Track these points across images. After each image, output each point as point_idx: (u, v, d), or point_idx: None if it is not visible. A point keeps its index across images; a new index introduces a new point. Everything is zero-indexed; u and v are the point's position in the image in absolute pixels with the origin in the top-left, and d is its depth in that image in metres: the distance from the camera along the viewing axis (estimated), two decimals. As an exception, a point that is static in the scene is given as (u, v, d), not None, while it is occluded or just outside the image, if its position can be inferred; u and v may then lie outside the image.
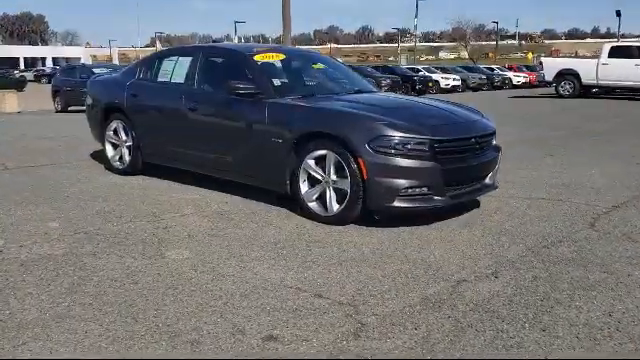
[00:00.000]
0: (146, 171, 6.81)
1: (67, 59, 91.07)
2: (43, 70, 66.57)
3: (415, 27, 67.50)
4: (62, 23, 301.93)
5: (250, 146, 5.43)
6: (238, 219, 5.09)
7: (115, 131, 6.90)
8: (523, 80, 40.74)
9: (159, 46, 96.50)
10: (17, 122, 14.90)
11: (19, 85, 37.80)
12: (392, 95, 6.05)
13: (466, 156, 4.90)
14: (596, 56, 23.75)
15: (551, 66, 23.30)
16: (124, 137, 6.80)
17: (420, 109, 5.34)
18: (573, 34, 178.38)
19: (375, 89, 6.39)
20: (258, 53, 5.79)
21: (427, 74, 34.24)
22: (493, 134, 5.25)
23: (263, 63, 5.75)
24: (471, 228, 4.88)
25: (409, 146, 4.59)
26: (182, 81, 6.19)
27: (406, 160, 4.57)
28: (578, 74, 22.29)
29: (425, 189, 4.66)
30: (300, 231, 4.76)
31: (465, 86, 35.53)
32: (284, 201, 5.44)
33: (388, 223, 4.84)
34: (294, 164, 5.09)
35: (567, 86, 22.62)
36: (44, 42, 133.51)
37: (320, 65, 6.34)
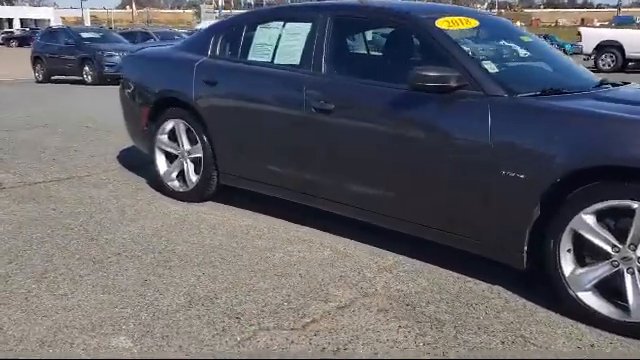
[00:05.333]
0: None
1: (35, 21, 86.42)
2: (12, 32, 62.31)
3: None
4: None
5: (447, 179, 3.15)
6: (459, 324, 2.82)
7: (172, 135, 4.53)
8: (530, 54, 38.74)
9: (134, 8, 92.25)
10: (-4, 98, 12.22)
11: (-12, 49, 34.45)
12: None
13: None
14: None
15: (591, 37, 21.13)
16: (187, 145, 4.44)
17: None
18: (551, 3, 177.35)
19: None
20: (439, 16, 3.44)
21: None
22: None
23: (454, 34, 3.39)
24: None
25: None
26: (296, 62, 3.82)
27: None
28: (622, 46, 20.20)
29: None
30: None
31: (474, 56, 33.29)
32: (502, 271, 3.19)
33: None
34: (546, 219, 2.83)
35: (608, 59, 20.55)
36: (9, 2, 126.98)
37: (528, 38, 4.01)
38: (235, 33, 4.27)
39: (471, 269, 3.34)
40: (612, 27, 27.34)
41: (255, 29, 4.15)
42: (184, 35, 23.93)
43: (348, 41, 3.78)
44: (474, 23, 3.63)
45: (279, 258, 3.53)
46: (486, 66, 3.19)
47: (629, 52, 19.99)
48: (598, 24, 55.35)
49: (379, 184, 3.46)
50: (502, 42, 3.86)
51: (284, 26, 3.98)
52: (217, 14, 67.48)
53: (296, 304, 2.96)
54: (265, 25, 4.10)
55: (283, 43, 3.93)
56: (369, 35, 3.94)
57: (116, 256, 3.50)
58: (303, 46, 3.80)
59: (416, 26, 3.45)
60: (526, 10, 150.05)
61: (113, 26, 67.24)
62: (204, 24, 58.97)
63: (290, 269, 3.38)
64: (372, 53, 3.90)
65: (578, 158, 2.73)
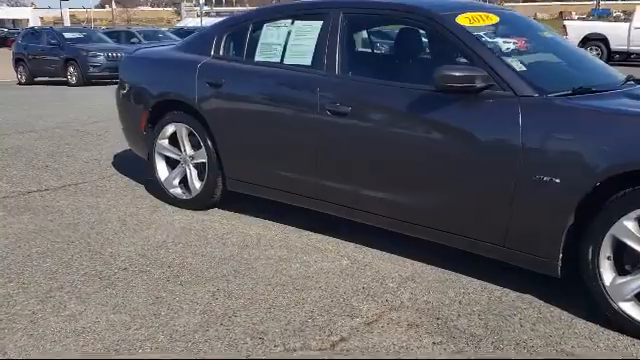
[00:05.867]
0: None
1: (13, 21, 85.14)
2: (-11, 33, 61.17)
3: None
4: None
5: (475, 184, 2.99)
6: (495, 340, 2.68)
7: (173, 139, 4.32)
8: (513, 47, 38.82)
9: (114, 7, 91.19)
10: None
11: (-34, 50, 33.81)
12: None
13: None
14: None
15: (576, 30, 21.16)
16: (190, 150, 4.25)
17: None
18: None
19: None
20: (460, 12, 3.28)
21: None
22: None
23: (477, 31, 3.24)
24: None
25: None
26: (307, 63, 3.64)
27: None
28: (607, 39, 20.26)
29: None
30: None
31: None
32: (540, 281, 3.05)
33: None
34: (584, 225, 2.68)
35: (594, 52, 20.51)
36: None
37: (548, 33, 3.87)
38: (240, 32, 4.07)
39: (494, 276, 3.20)
40: (590, 20, 27.45)
41: (262, 28, 3.96)
42: (169, 34, 23.60)
43: (364, 39, 3.60)
44: (494, 19, 3.48)
45: (296, 269, 3.36)
46: (513, 64, 3.03)
47: (614, 45, 20.05)
48: (576, 17, 55.53)
49: (399, 189, 3.30)
50: (528, 40, 3.67)
51: (293, 24, 3.79)
52: (198, 11, 66.82)
53: (321, 321, 2.79)
54: (273, 23, 3.91)
55: (293, 42, 3.74)
56: (386, 33, 3.76)
57: (123, 271, 3.30)
58: (315, 45, 3.61)
59: (436, 23, 3.27)
60: (506, 4, 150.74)
61: (93, 25, 66.41)
62: (186, 22, 58.30)
63: (309, 282, 3.20)
64: (389, 52, 3.73)
65: (619, 161, 2.59)
